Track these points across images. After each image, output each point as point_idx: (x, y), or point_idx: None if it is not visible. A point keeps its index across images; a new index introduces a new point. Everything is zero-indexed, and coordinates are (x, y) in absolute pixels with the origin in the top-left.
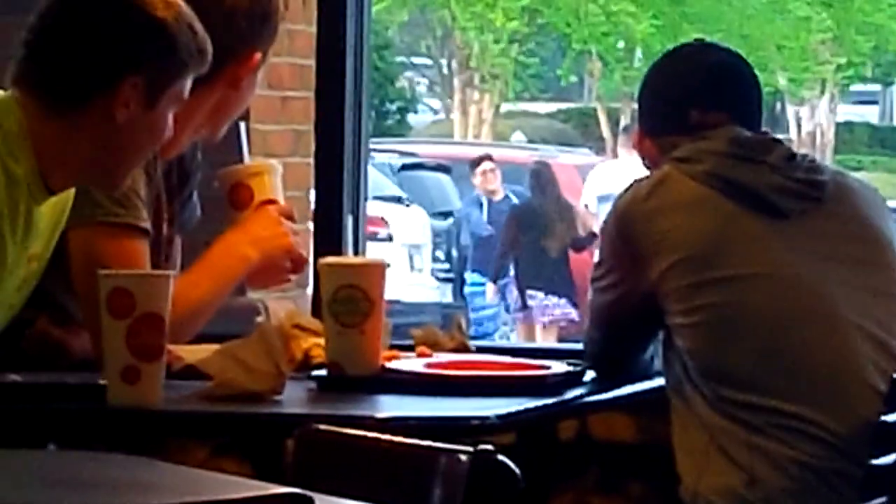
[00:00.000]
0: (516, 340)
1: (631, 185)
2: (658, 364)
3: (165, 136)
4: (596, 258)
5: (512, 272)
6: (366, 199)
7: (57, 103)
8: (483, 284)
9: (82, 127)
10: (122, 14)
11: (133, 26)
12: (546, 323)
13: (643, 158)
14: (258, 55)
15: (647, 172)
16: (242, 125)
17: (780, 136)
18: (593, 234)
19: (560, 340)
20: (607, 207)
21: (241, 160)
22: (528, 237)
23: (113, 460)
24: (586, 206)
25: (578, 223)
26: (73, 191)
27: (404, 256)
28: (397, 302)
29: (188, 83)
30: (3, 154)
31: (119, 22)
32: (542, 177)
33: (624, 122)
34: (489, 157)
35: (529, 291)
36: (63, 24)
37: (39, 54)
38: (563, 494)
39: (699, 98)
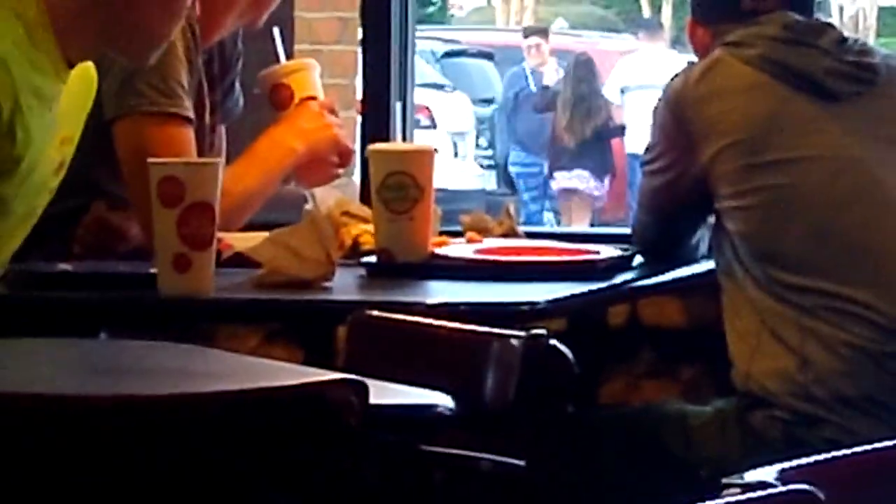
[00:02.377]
0: (563, 223)
1: (683, 69)
2: (705, 248)
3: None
4: (647, 142)
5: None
6: (413, 86)
7: None
8: (532, 165)
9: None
10: None
11: None
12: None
13: (696, 47)
14: None
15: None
16: (276, 29)
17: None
18: (621, 127)
19: (601, 224)
20: (631, 98)
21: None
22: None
23: (165, 348)
24: (607, 99)
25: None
26: (95, 72)
27: (448, 143)
28: (442, 189)
29: None
30: (24, 39)
31: None
32: (582, 68)
33: (666, 7)
34: (541, 31)
35: (579, 172)
36: None
37: None
38: (615, 379)
39: None
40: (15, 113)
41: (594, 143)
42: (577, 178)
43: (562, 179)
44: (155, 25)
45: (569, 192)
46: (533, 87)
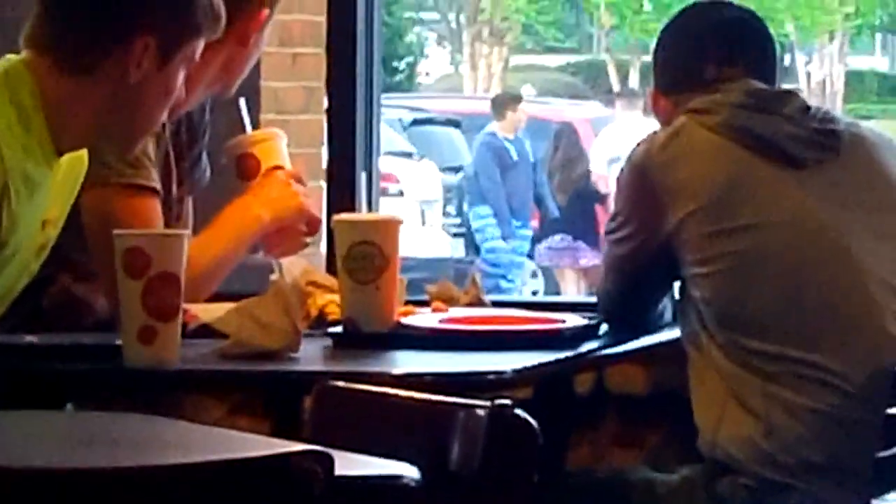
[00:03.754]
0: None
1: (647, 136)
2: (670, 316)
3: (176, 97)
4: (611, 210)
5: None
6: (378, 155)
7: (70, 62)
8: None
9: (95, 86)
10: None
11: None
12: (582, 267)
13: (659, 116)
14: (266, 11)
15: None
16: (242, 101)
17: (790, 87)
18: (603, 195)
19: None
20: (616, 169)
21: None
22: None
23: (131, 419)
24: (590, 170)
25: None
26: (86, 157)
27: (416, 211)
28: (410, 257)
29: (201, 45)
30: (17, 124)
31: None
32: (566, 135)
33: (633, 74)
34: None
35: (564, 235)
36: None
37: (54, 13)
38: (581, 447)
39: (714, 54)
40: (3, 198)
41: (579, 210)
42: (563, 243)
43: (548, 244)
44: (147, 118)
45: (556, 256)
46: (514, 155)
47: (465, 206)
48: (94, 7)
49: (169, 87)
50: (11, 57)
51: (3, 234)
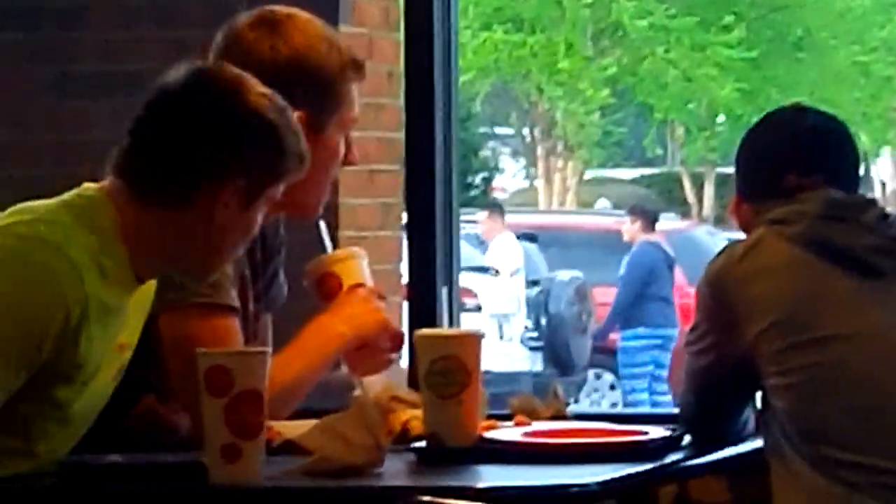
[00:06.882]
0: None
1: (725, 247)
2: (752, 426)
3: (253, 234)
4: (692, 322)
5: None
6: (458, 270)
7: (158, 198)
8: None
9: (178, 222)
10: (234, 116)
11: (245, 129)
12: None
13: (739, 223)
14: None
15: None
16: (322, 223)
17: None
18: None
19: None
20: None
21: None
22: None
23: None
24: None
25: None
26: (155, 280)
27: (494, 326)
28: (488, 372)
29: (283, 186)
30: (98, 251)
31: (232, 124)
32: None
33: (707, 185)
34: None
35: None
36: (175, 123)
37: (148, 149)
38: None
39: (797, 163)
40: (82, 321)
41: None
42: None
43: None
44: (227, 254)
45: None
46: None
47: (543, 320)
48: (188, 149)
49: (250, 226)
50: (90, 185)
51: (80, 356)
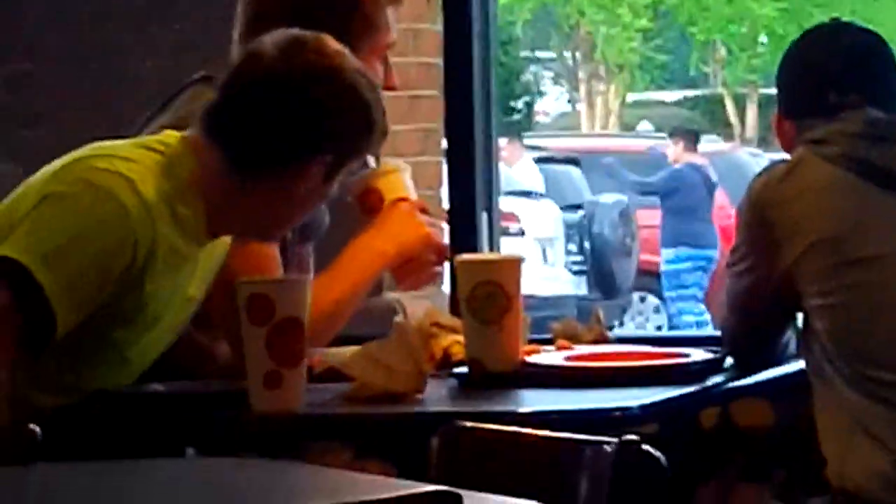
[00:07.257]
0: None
1: (765, 168)
2: (795, 348)
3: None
4: (733, 242)
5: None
6: (499, 195)
7: (248, 165)
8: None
9: (263, 190)
10: (334, 93)
11: (343, 106)
12: None
13: (782, 140)
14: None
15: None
16: None
17: None
18: None
19: None
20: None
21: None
22: None
23: (257, 465)
24: None
25: None
26: (229, 237)
27: (537, 250)
28: (532, 296)
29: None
30: (173, 197)
31: (331, 100)
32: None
33: (750, 106)
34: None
35: None
36: (273, 95)
37: (243, 115)
38: (708, 483)
39: (837, 81)
40: (149, 261)
41: None
42: None
43: None
44: (298, 219)
45: None
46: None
47: (586, 244)
48: (287, 123)
49: (326, 197)
50: (172, 133)
51: (144, 299)
